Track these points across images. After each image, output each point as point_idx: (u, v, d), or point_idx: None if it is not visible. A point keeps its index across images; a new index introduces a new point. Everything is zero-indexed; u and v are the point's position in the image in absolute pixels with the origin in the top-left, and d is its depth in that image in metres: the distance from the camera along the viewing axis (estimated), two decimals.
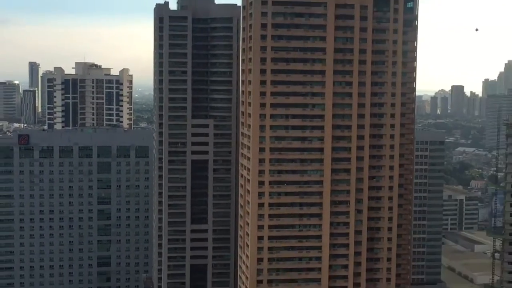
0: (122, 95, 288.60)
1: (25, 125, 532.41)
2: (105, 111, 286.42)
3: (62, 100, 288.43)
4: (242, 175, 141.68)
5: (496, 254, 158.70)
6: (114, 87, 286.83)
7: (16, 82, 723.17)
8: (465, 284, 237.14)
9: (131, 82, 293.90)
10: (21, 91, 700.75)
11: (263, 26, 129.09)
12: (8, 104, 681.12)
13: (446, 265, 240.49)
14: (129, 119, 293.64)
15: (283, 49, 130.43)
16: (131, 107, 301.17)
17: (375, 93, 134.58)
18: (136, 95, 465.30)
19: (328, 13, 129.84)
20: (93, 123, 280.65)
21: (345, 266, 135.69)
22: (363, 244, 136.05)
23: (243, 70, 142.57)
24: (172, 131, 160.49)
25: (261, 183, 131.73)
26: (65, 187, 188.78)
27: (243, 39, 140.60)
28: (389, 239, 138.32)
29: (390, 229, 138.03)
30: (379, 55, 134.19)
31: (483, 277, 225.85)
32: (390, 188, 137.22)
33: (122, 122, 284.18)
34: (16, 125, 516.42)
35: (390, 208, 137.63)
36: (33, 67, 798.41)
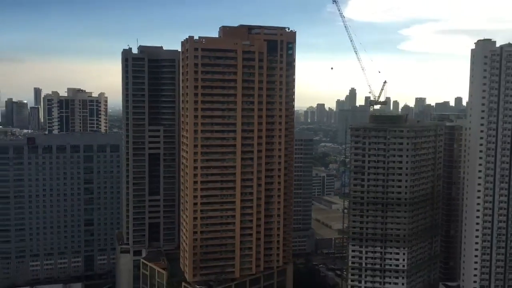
0: (100, 110, 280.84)
1: (32, 131, 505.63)
2: (88, 121, 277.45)
3: (58, 114, 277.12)
4: (183, 163, 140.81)
5: (345, 210, 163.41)
6: (95, 105, 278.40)
7: (25, 101, 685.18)
8: (326, 229, 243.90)
9: (106, 101, 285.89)
10: (28, 108, 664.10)
11: (195, 65, 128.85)
12: (19, 116, 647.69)
13: (314, 218, 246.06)
14: (105, 126, 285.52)
15: (209, 80, 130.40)
16: (107, 118, 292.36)
17: (269, 109, 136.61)
18: (110, 110, 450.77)
19: (237, 56, 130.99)
20: (80, 129, 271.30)
21: (250, 220, 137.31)
22: (261, 205, 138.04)
23: (183, 94, 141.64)
24: (135, 134, 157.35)
25: (195, 168, 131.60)
26: (61, 173, 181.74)
27: (183, 73, 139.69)
28: (279, 202, 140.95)
29: (279, 196, 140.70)
30: (271, 84, 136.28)
31: (337, 224, 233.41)
32: (279, 169, 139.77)
33: (100, 128, 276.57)
34: (25, 131, 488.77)
35: (279, 183, 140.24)
36: (37, 91, 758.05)
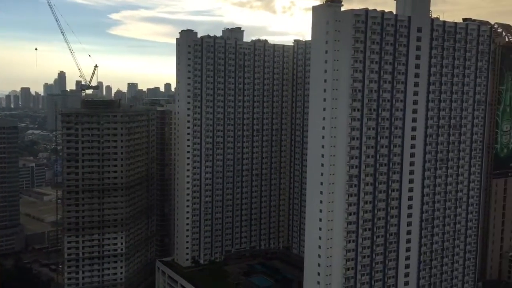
0: None
1: None
2: None
3: None
4: None
5: (58, 200, 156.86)
6: None
7: None
8: (38, 223, 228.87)
9: None
10: None
11: None
12: None
13: (24, 212, 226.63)
14: None
15: None
16: None
17: None
18: None
19: None
20: None
21: None
22: None
23: None
24: None
25: None
26: None
27: None
28: None
29: None
30: None
31: (51, 217, 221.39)
32: None
33: None
34: None
35: None
36: None
